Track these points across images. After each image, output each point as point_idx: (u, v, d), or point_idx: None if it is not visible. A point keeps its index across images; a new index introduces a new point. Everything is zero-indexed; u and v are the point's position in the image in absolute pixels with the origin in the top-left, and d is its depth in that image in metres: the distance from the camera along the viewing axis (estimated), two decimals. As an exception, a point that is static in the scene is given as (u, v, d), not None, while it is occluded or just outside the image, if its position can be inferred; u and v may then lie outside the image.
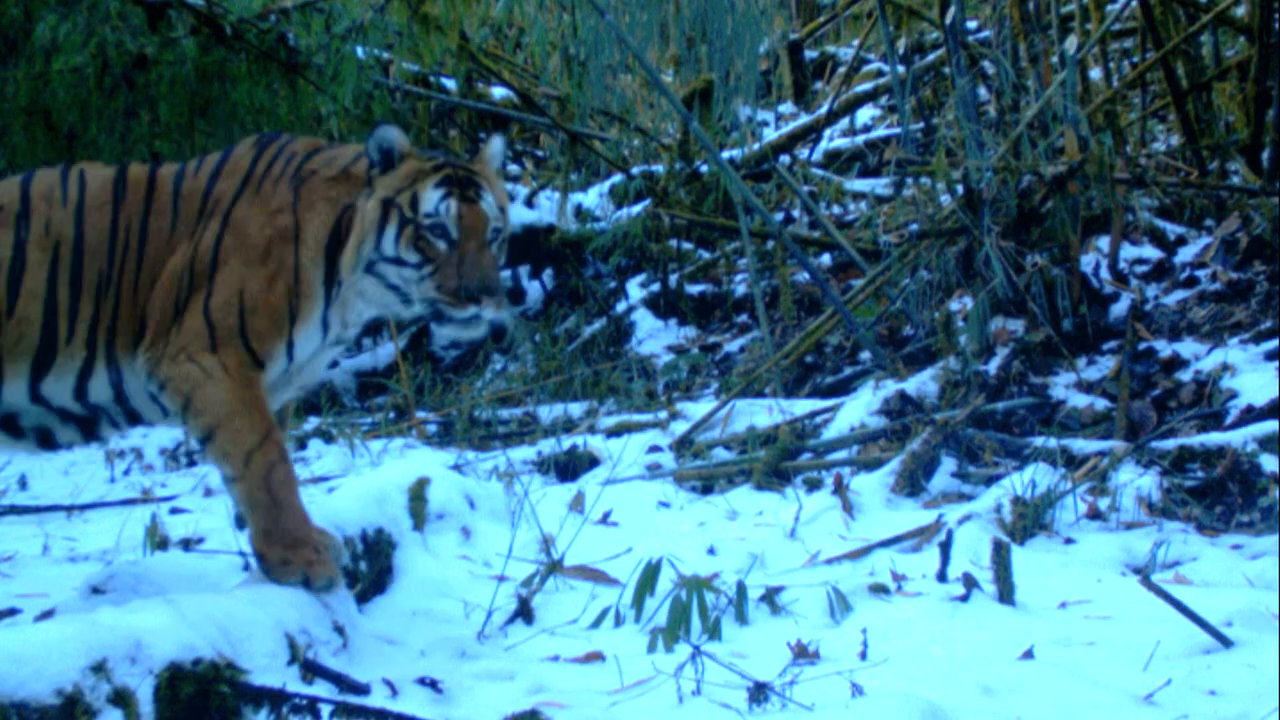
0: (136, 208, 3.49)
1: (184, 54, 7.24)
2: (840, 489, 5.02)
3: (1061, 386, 6.20)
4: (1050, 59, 7.30)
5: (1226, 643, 3.32)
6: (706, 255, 9.31)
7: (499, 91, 10.19)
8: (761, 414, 6.27)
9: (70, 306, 3.41)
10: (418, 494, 4.33)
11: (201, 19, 7.35)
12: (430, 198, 3.41)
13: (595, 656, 3.50)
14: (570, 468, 5.93)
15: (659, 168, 9.39)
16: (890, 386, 6.12)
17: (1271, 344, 6.01)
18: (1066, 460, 5.15)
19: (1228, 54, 9.22)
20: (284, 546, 3.33)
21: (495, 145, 3.67)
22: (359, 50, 7.61)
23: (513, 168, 10.88)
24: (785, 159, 10.45)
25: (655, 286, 8.97)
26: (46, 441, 3.53)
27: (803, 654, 3.44)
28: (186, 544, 4.44)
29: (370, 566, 3.92)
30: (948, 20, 7.23)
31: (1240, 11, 8.87)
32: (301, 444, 6.63)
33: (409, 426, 6.94)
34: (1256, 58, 7.97)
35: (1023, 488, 4.71)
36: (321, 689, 3.01)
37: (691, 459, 5.86)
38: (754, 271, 7.92)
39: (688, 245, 9.34)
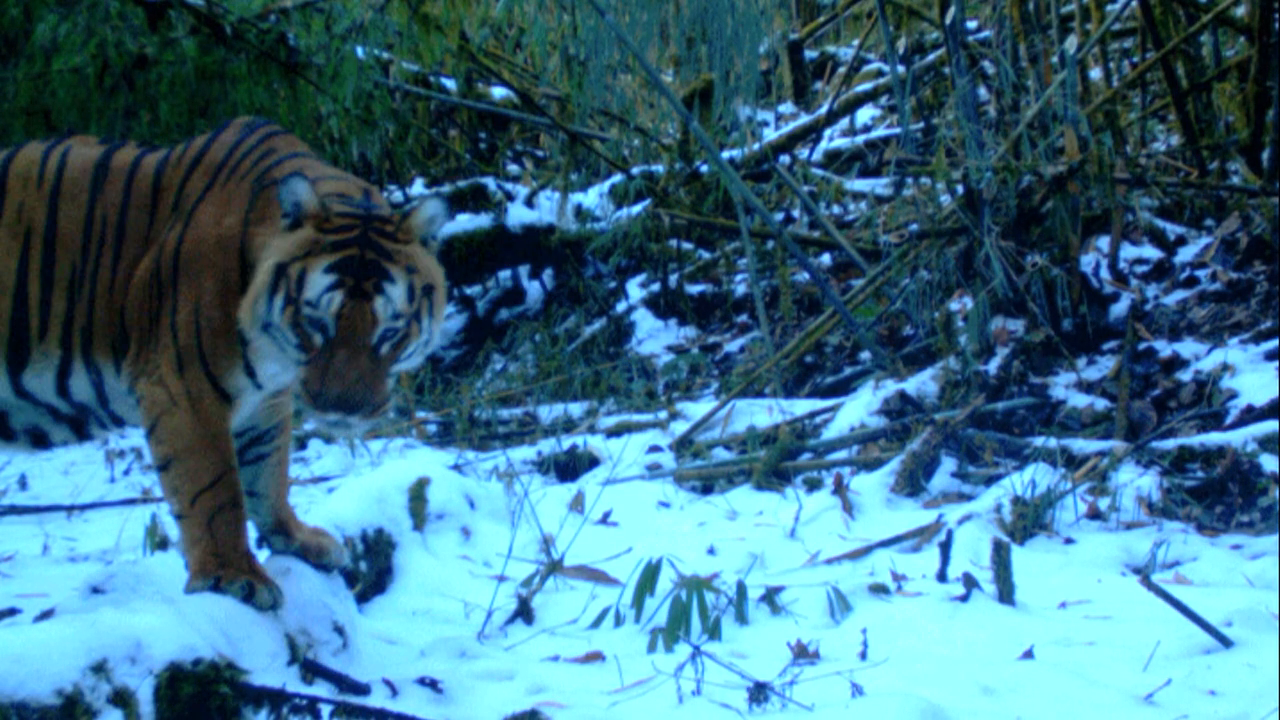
0: (115, 198, 3.20)
1: (184, 54, 7.24)
2: (840, 489, 5.02)
3: (1061, 386, 6.20)
4: (1050, 59, 7.29)
5: (1226, 643, 3.32)
6: (706, 255, 9.30)
7: (499, 91, 10.19)
8: (761, 414, 6.27)
9: (41, 300, 3.17)
10: (418, 494, 4.34)
11: (201, 19, 7.34)
12: (316, 284, 2.88)
13: (595, 656, 3.50)
14: (570, 468, 5.93)
15: (659, 168, 9.38)
16: (890, 386, 6.12)
17: (1271, 344, 6.01)
18: (1066, 460, 5.15)
19: (1228, 54, 9.21)
20: (217, 568, 3.13)
21: (430, 209, 3.01)
22: (359, 50, 7.61)
23: (513, 168, 10.88)
24: (785, 159, 10.44)
25: (655, 286, 8.97)
26: (40, 441, 3.39)
27: (803, 654, 3.44)
28: (186, 544, 4.43)
29: (370, 566, 3.93)
30: (948, 20, 7.22)
31: (1240, 11, 8.86)
32: (301, 444, 6.63)
33: (409, 426, 6.94)
34: (1256, 58, 7.97)
35: (1023, 488, 4.71)
36: (321, 689, 3.01)
37: (691, 459, 5.86)
38: (754, 271, 7.91)
39: (688, 245, 9.33)
